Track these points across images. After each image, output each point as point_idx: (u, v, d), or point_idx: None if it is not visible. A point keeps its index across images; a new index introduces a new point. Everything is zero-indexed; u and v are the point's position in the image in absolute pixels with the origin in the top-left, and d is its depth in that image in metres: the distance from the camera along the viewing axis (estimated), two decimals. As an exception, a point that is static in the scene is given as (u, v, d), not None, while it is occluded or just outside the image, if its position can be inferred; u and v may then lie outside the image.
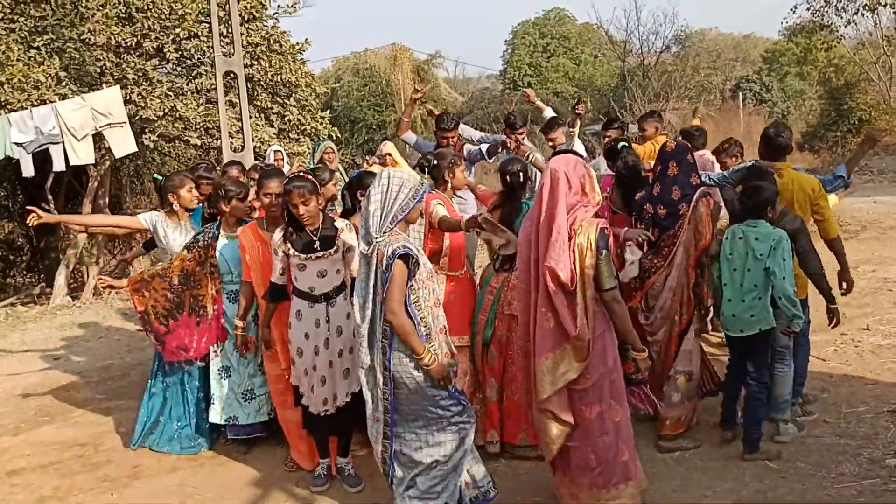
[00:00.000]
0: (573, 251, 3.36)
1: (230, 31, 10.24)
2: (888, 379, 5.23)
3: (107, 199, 13.15)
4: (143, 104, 11.05)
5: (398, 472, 3.56)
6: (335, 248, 4.04)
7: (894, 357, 5.63)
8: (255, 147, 10.68)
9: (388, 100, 26.50)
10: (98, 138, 9.08)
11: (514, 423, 4.39)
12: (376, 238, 3.37)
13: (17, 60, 10.41)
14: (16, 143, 8.27)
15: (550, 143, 6.41)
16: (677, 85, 22.67)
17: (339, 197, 5.18)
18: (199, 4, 11.78)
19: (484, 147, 6.12)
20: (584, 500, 3.57)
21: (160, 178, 5.29)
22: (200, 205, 5.10)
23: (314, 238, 4.00)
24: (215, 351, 4.71)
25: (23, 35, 10.94)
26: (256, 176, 5.18)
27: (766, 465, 4.15)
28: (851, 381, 5.24)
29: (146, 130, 11.43)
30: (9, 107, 9.86)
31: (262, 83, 12.81)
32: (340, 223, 4.12)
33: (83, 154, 8.57)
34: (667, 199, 4.36)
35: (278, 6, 13.57)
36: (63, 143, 8.37)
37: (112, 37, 11.02)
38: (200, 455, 4.85)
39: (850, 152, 19.25)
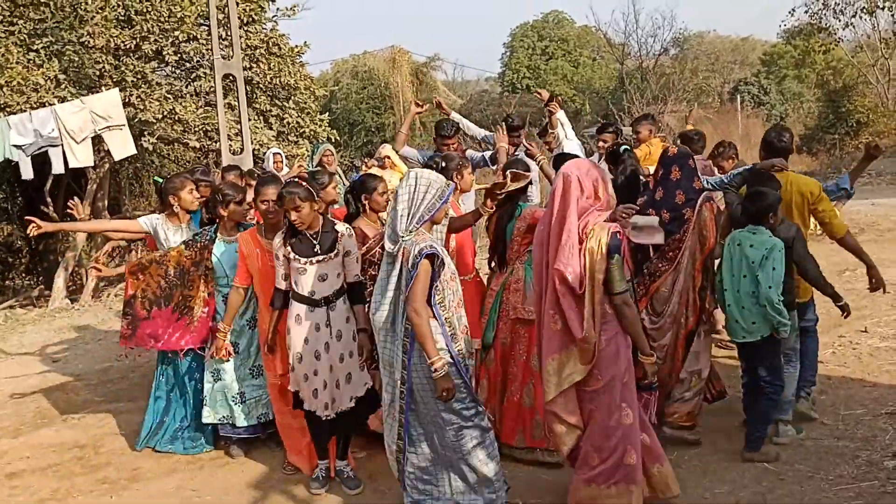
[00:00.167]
0: (584, 255, 3.37)
1: (229, 33, 10.26)
2: (886, 381, 5.24)
3: (106, 202, 13.16)
4: (142, 107, 11.07)
5: (409, 469, 3.58)
6: (335, 251, 4.04)
7: (892, 359, 5.64)
8: (253, 149, 10.70)
9: (387, 102, 26.52)
10: (97, 141, 9.10)
11: (512, 423, 4.39)
12: (402, 237, 3.40)
13: (17, 63, 10.43)
14: (15, 146, 8.29)
15: (548, 147, 6.43)
16: (676, 87, 22.72)
17: (343, 201, 5.18)
18: (198, 7, 11.80)
19: (488, 154, 6.13)
20: (580, 495, 3.59)
21: (160, 180, 5.29)
22: (201, 207, 5.11)
23: (314, 242, 4.01)
24: (211, 353, 4.69)
25: (22, 38, 10.96)
26: (253, 182, 5.18)
27: (765, 467, 4.15)
28: (849, 383, 5.25)
29: (145, 133, 11.45)
30: (8, 109, 9.88)
31: (260, 86, 12.84)
32: (341, 227, 4.12)
33: (82, 157, 8.59)
34: (670, 204, 4.39)
35: (277, 9, 13.66)
36: (62, 145, 8.39)
37: (111, 39, 11.04)
38: (200, 457, 4.86)
39: (849, 155, 19.33)
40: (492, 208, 4.15)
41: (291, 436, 4.49)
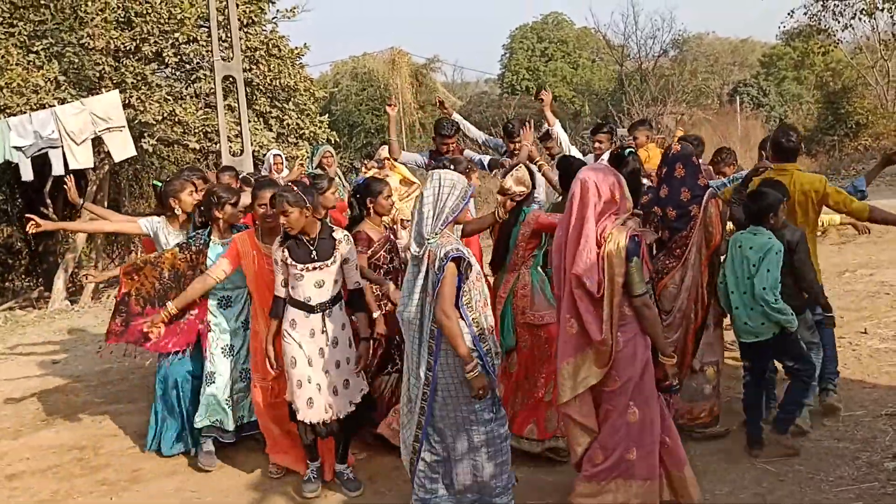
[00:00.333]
0: (602, 258, 3.41)
1: (229, 35, 10.28)
2: (886, 382, 5.25)
3: (105, 203, 13.14)
4: (142, 108, 11.07)
5: (420, 467, 3.60)
6: (332, 259, 4.01)
7: (892, 360, 5.64)
8: (253, 151, 10.70)
9: (387, 104, 26.51)
10: (97, 142, 9.10)
11: (526, 414, 4.37)
12: (428, 240, 3.41)
13: (17, 65, 10.44)
14: (15, 148, 8.29)
15: (548, 152, 6.44)
16: (675, 89, 22.70)
17: (347, 204, 5.18)
18: (198, 9, 11.81)
19: (486, 159, 6.14)
20: (581, 490, 3.62)
21: (160, 184, 5.28)
22: (195, 210, 5.07)
23: (311, 248, 3.99)
24: (210, 358, 4.65)
25: (22, 39, 10.97)
26: (247, 188, 5.16)
27: (765, 468, 4.16)
28: (849, 384, 5.24)
29: (145, 134, 11.45)
30: (8, 111, 9.88)
31: (260, 87, 12.84)
32: (339, 234, 4.09)
33: (82, 158, 8.58)
34: (676, 201, 4.42)
35: (277, 10, 13.64)
36: (62, 147, 8.39)
37: (111, 41, 11.05)
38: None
39: (848, 156, 19.36)
40: (506, 214, 4.20)
41: (280, 440, 4.47)
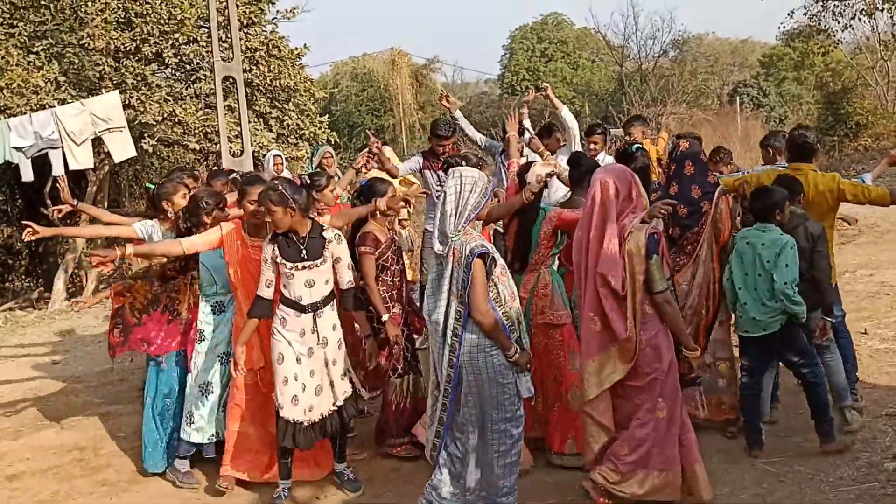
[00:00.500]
0: (623, 257, 3.47)
1: (229, 35, 10.26)
2: (886, 383, 5.25)
3: (106, 204, 13.15)
4: (142, 109, 11.07)
5: (440, 461, 3.64)
6: (322, 258, 3.98)
7: (892, 361, 5.64)
8: (253, 152, 10.69)
9: (387, 104, 26.51)
10: (97, 143, 9.09)
11: (564, 431, 4.30)
12: (452, 237, 3.44)
13: (17, 65, 10.43)
14: (15, 148, 8.27)
15: (547, 148, 6.41)
16: (675, 90, 22.71)
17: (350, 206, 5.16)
18: (198, 9, 11.80)
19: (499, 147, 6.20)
20: (604, 478, 3.66)
21: (152, 186, 5.24)
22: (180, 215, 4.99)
23: (301, 247, 3.95)
24: (204, 368, 4.52)
25: (22, 40, 10.96)
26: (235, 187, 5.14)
27: (765, 468, 4.16)
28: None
29: (145, 135, 11.45)
30: (8, 111, 9.88)
31: (260, 88, 12.84)
32: (330, 233, 4.04)
33: (82, 159, 8.57)
34: (686, 198, 4.46)
35: (277, 11, 13.61)
36: (62, 147, 8.38)
37: (111, 42, 11.04)
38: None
39: (848, 157, 19.36)
40: (532, 196, 4.17)
41: (247, 446, 4.32)
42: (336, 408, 4.11)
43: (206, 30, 11.11)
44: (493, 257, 3.45)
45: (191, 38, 11.85)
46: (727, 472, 4.16)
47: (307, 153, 12.29)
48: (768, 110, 24.12)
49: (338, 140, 15.83)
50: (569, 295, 4.43)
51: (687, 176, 4.50)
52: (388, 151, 7.30)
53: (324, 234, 4.02)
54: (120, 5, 11.34)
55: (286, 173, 8.35)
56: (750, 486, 4.00)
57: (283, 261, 3.94)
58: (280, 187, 3.85)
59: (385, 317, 4.38)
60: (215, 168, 6.87)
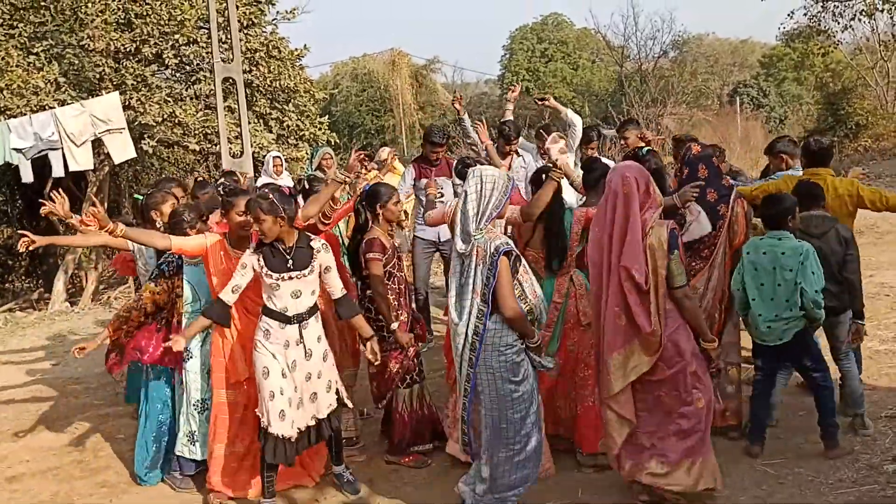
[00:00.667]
0: (645, 252, 3.51)
1: (229, 36, 10.29)
2: (885, 384, 5.25)
3: (105, 205, 13.15)
4: (141, 110, 11.08)
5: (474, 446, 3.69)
6: (309, 268, 3.90)
7: (892, 362, 5.64)
8: (253, 153, 10.71)
9: (387, 105, 26.54)
10: (97, 144, 9.11)
11: (594, 432, 4.23)
12: (475, 236, 3.48)
13: (17, 66, 10.44)
14: (15, 149, 8.30)
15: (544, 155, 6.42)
16: (675, 90, 22.71)
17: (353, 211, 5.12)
18: (198, 10, 11.82)
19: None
20: (652, 469, 3.68)
21: (140, 198, 5.19)
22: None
23: (287, 257, 3.87)
24: (196, 385, 4.43)
25: (22, 41, 10.97)
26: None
27: (765, 470, 4.16)
28: (849, 386, 5.24)
29: (145, 136, 11.46)
30: (8, 112, 9.89)
31: (260, 89, 12.86)
32: (317, 243, 3.96)
33: (82, 160, 8.59)
34: (703, 202, 4.43)
35: (277, 12, 13.64)
36: (62, 149, 8.39)
37: (111, 42, 11.06)
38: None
39: (848, 157, 19.34)
40: (561, 177, 4.16)
41: (231, 463, 4.25)
42: (315, 422, 4.02)
43: (206, 31, 11.12)
44: (517, 255, 3.52)
45: (191, 39, 11.86)
46: (727, 474, 4.14)
47: (307, 154, 12.30)
48: (768, 111, 24.13)
49: (338, 141, 15.84)
50: None
51: (701, 180, 4.43)
52: (387, 152, 7.31)
53: (311, 244, 3.94)
54: (120, 6, 11.35)
55: (286, 174, 8.36)
56: (750, 488, 4.00)
57: (269, 272, 3.84)
58: (270, 196, 3.79)
59: (394, 325, 4.35)
60: (201, 179, 6.76)
